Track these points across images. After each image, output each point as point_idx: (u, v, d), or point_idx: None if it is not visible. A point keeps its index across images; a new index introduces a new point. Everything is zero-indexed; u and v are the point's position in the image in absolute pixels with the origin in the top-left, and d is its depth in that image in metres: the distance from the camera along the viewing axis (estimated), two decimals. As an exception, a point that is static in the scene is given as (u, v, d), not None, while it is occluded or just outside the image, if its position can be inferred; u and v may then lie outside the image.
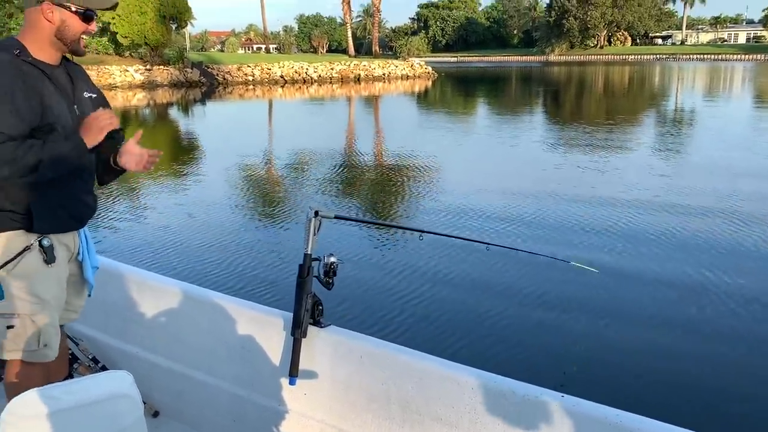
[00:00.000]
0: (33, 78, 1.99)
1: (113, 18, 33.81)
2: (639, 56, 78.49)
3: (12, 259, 2.04)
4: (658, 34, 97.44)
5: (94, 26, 2.13)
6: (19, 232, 2.06)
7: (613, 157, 12.11)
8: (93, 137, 2.09)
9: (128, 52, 36.03)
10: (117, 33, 34.35)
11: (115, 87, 32.45)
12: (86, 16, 2.09)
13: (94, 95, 2.26)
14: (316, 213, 2.12)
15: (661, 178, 10.04)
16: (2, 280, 2.04)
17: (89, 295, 2.40)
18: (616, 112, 22.14)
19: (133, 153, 2.23)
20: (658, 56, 78.00)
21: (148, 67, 34.91)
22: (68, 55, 2.20)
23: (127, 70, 33.93)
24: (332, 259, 2.13)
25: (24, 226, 2.06)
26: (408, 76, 42.22)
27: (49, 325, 2.12)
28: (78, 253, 2.29)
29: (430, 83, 38.30)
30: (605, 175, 10.46)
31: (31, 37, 2.05)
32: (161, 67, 35.21)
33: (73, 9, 2.05)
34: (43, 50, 2.05)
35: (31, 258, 2.07)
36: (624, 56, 79.34)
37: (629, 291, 5.31)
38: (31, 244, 2.07)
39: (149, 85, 33.74)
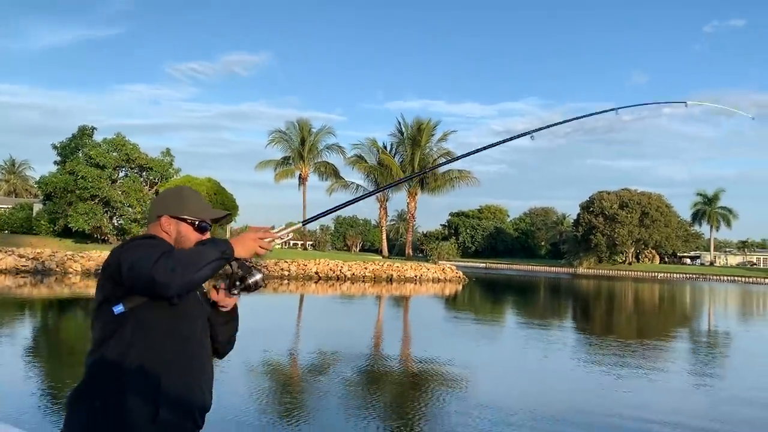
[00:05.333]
0: None
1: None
2: (668, 274, 79.00)
3: None
4: (686, 254, 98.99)
5: (207, 236, 2.28)
6: None
7: (650, 384, 11.69)
8: (247, 248, 2.11)
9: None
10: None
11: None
12: (200, 227, 2.27)
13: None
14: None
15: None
16: None
17: None
18: (652, 332, 21.80)
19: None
20: (687, 275, 78.40)
21: (189, 255, 36.37)
22: None
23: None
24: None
25: None
26: (439, 279, 42.97)
27: None
28: None
29: (460, 287, 38.74)
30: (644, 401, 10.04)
31: None
32: (201, 256, 36.63)
33: (189, 221, 2.25)
34: None
35: None
36: (653, 273, 79.94)
37: None
38: None
39: (187, 273, 34.83)
